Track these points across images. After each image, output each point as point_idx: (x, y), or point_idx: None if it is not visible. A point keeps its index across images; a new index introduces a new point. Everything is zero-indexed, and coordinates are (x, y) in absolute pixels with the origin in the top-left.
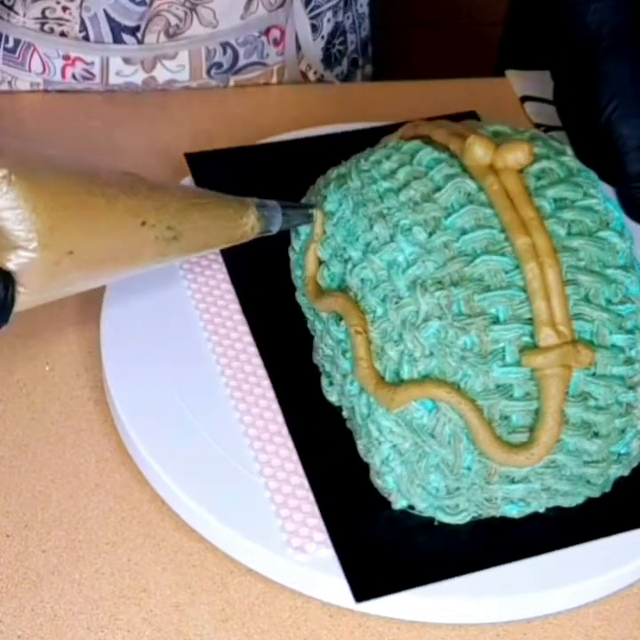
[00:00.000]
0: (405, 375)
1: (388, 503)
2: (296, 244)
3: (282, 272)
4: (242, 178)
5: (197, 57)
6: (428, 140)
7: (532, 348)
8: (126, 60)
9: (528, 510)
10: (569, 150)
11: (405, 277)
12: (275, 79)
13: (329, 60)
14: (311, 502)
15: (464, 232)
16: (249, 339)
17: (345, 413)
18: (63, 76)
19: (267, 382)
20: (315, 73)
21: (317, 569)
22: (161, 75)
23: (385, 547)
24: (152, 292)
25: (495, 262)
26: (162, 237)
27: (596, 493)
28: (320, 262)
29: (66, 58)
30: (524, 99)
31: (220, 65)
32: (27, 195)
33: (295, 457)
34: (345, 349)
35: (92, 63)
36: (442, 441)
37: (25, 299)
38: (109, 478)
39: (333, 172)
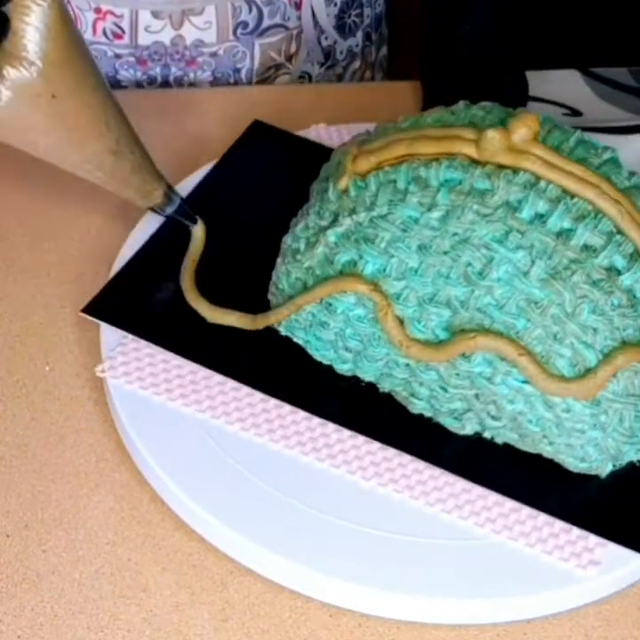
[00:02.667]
0: (592, 362)
1: (589, 477)
2: (332, 320)
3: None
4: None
5: (224, 14)
6: (409, 159)
7: None
8: (155, 14)
9: None
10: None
11: (531, 280)
12: (294, 44)
13: (343, 29)
14: (548, 522)
15: (542, 216)
16: None
17: (488, 434)
18: (94, 31)
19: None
20: (326, 39)
21: (618, 567)
22: (189, 33)
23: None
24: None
25: (588, 225)
26: (107, 147)
27: None
28: (401, 321)
29: (97, 11)
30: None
31: (245, 24)
32: (58, 24)
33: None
34: (489, 376)
35: (122, 16)
36: (636, 392)
37: None
38: (109, 478)
39: (327, 238)
